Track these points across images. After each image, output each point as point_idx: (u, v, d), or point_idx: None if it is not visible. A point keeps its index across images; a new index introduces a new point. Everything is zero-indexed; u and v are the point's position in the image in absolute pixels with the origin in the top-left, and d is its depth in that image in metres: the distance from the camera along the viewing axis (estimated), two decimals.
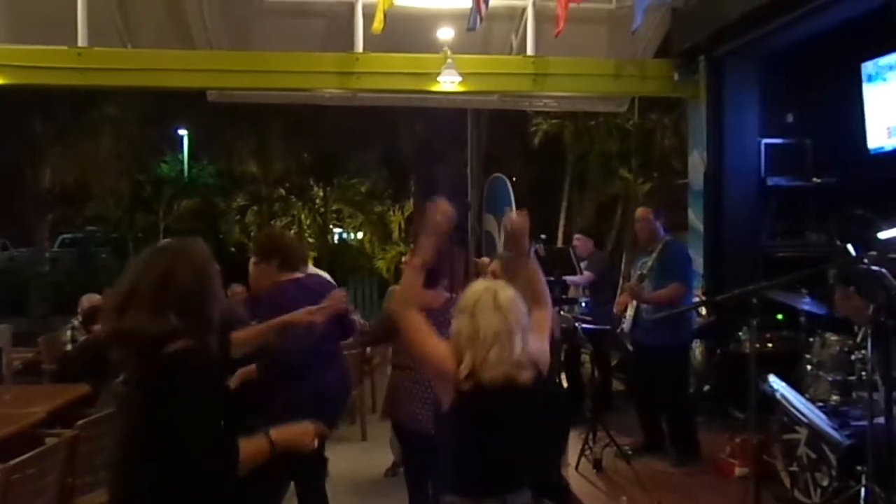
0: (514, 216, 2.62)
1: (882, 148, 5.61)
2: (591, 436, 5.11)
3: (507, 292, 2.31)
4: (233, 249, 17.62)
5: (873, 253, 2.65)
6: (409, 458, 3.57)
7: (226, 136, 18.07)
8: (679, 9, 6.78)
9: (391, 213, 18.82)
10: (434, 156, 15.98)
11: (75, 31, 6.32)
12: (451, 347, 2.30)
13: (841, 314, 3.86)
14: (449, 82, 6.50)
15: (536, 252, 6.05)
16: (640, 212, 5.42)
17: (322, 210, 18.92)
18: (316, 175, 18.92)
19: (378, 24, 6.15)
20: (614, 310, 6.02)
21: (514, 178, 13.37)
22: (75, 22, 6.32)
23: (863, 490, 3.75)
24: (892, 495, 2.23)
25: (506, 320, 2.24)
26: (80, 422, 3.58)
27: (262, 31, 6.99)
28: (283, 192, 19.31)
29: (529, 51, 6.90)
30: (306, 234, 18.15)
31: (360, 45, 6.71)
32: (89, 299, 6.37)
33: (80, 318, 6.30)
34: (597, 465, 4.98)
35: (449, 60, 6.41)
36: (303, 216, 18.67)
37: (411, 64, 6.73)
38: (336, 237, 21.13)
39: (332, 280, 4.92)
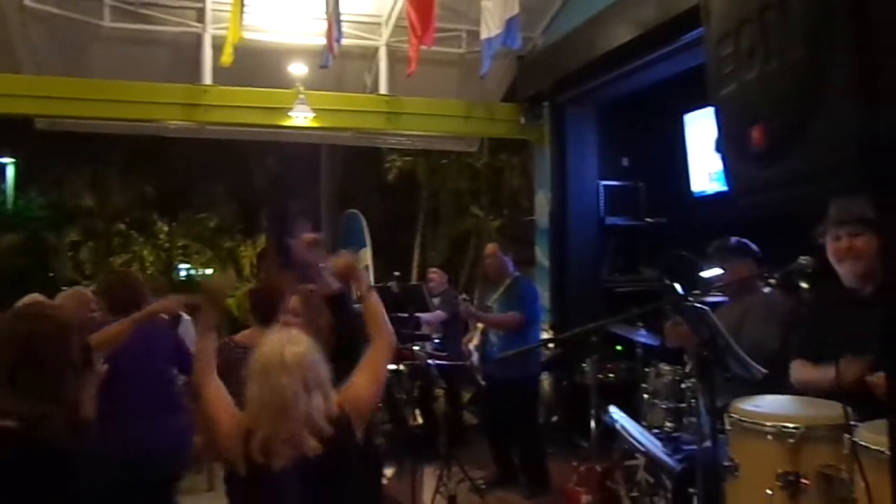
0: (339, 259, 2.63)
1: (704, 192, 6.14)
2: (445, 472, 5.13)
3: (296, 348, 2.16)
4: (64, 289, 16.23)
5: (697, 291, 2.88)
6: None
7: (57, 167, 16.76)
8: (525, 57, 7.14)
9: (242, 248, 18.19)
10: (287, 190, 15.67)
11: None
12: (244, 419, 2.15)
13: (671, 343, 4.14)
14: (301, 118, 6.43)
15: (390, 289, 6.12)
16: (489, 248, 5.58)
17: (167, 246, 17.95)
18: (159, 209, 17.95)
19: (227, 58, 5.99)
20: (463, 343, 6.16)
21: (368, 214, 13.41)
22: None
23: None
24: None
25: (293, 383, 2.10)
26: None
27: (101, 58, 6.58)
28: (122, 227, 18.14)
29: (383, 90, 6.99)
30: (149, 272, 17.12)
31: (208, 78, 6.50)
32: None
33: None
34: (451, 501, 4.98)
35: (301, 96, 6.36)
36: (145, 252, 17.62)
37: (262, 98, 6.60)
38: (183, 274, 20.10)
39: (185, 317, 4.68)
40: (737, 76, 1.34)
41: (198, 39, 6.58)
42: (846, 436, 2.04)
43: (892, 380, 1.27)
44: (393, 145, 9.49)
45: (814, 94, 1.17)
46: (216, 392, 2.27)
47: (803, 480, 2.14)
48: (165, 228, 18.03)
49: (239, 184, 17.92)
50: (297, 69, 6.52)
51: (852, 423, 2.10)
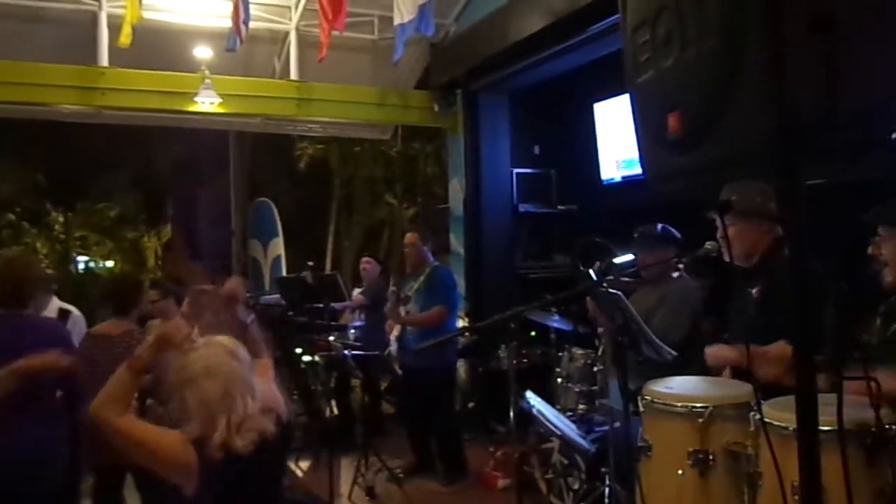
0: (230, 283, 2.58)
1: (613, 179, 6.30)
2: (362, 462, 5.09)
3: (227, 340, 2.21)
4: None
5: (611, 277, 2.94)
6: None
7: None
8: (438, 44, 7.11)
9: (146, 239, 17.41)
10: (194, 178, 15.10)
11: None
12: (190, 432, 2.09)
13: (593, 315, 4.23)
14: (207, 103, 6.18)
15: (304, 279, 6.00)
16: (408, 237, 5.55)
17: (63, 237, 16.97)
18: (54, 198, 16.93)
19: (125, 38, 5.67)
20: (386, 332, 6.12)
21: (278, 203, 13.11)
22: None
23: (607, 490, 4.15)
24: (632, 493, 2.47)
25: (242, 372, 2.15)
26: None
27: None
28: (12, 217, 17.00)
29: (293, 75, 6.81)
30: (43, 265, 16.11)
31: (104, 59, 6.14)
32: None
33: None
34: (369, 492, 4.96)
35: (207, 81, 6.11)
36: (38, 244, 16.59)
37: (165, 82, 6.30)
38: (82, 266, 19.06)
39: (75, 313, 4.40)
40: (654, 63, 1.35)
41: (93, 18, 6.20)
42: (752, 413, 2.14)
43: (800, 357, 1.32)
44: (304, 132, 9.27)
45: (728, 82, 1.19)
46: (137, 425, 2.14)
47: (711, 458, 2.22)
48: (61, 219, 17.01)
49: (142, 172, 17.11)
50: (202, 52, 6.24)
51: (759, 400, 2.20)
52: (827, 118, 1.15)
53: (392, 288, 5.39)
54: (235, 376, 2.13)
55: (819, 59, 1.13)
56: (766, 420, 1.90)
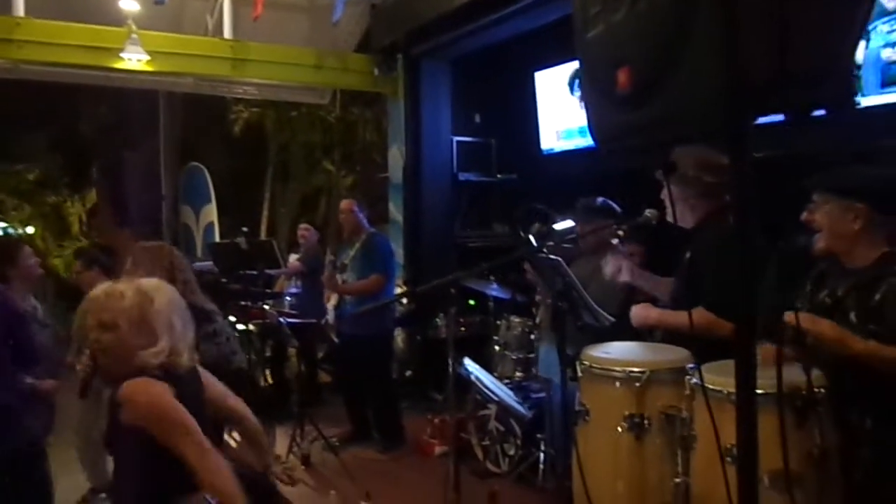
0: None
1: (552, 149, 6.32)
2: (298, 431, 5.03)
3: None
4: None
5: (551, 243, 2.94)
6: None
7: None
8: (378, 6, 6.94)
9: (69, 204, 16.61)
10: (121, 141, 14.44)
11: None
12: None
13: (531, 278, 4.25)
14: (134, 60, 5.87)
15: (238, 245, 5.83)
16: (344, 204, 5.46)
17: None
18: None
19: None
20: (324, 300, 6.03)
21: (212, 168, 12.69)
22: None
23: (542, 455, 4.22)
24: (567, 458, 2.49)
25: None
26: None
27: None
28: None
29: (226, 34, 6.53)
30: None
31: (20, 9, 5.76)
32: None
33: None
34: (305, 460, 4.91)
35: (133, 35, 5.79)
36: None
37: (88, 36, 5.93)
38: None
39: None
40: (603, 17, 1.31)
41: None
42: (687, 378, 2.17)
43: (740, 322, 1.32)
44: (239, 95, 8.93)
45: (679, 37, 1.16)
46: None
47: (647, 422, 2.25)
48: None
49: (65, 133, 16.24)
50: (128, 5, 5.89)
51: (693, 365, 2.24)
52: (777, 77, 1.13)
53: (330, 257, 5.29)
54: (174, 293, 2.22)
55: (770, 16, 1.12)
56: (703, 384, 1.93)
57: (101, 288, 2.17)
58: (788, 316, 1.83)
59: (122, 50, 5.82)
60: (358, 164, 12.78)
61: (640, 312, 2.73)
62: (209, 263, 6.91)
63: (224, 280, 6.09)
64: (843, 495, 1.97)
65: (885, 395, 2.00)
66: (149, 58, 5.94)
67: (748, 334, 1.32)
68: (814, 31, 1.16)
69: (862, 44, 3.64)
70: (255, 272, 5.50)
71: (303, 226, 7.00)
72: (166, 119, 11.73)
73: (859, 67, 3.71)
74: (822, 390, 1.96)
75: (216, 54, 6.49)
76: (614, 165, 5.06)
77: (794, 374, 1.82)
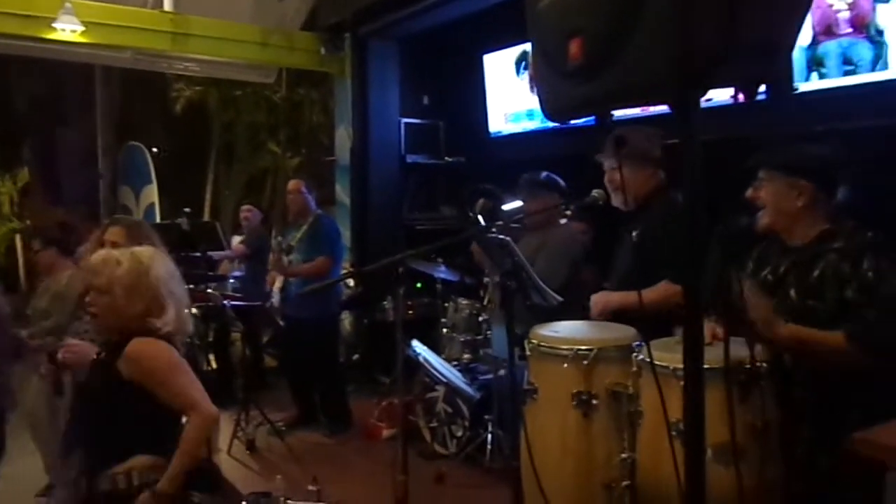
0: None
1: (500, 132, 6.32)
2: (243, 416, 4.94)
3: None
4: None
5: (500, 223, 2.93)
6: None
7: None
8: None
9: None
10: (55, 117, 13.86)
11: None
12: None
13: (478, 258, 4.26)
14: (68, 30, 5.61)
15: (179, 226, 5.66)
16: (292, 184, 5.36)
17: None
18: None
19: None
20: (267, 283, 5.90)
21: (155, 149, 12.29)
22: None
23: (489, 436, 4.25)
24: (515, 438, 2.50)
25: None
26: None
27: None
28: None
29: (167, 6, 6.29)
30: None
31: None
32: None
33: None
34: (250, 445, 4.84)
35: (67, 4, 5.52)
36: None
37: (18, 3, 5.62)
38: None
39: None
40: None
41: None
42: (634, 355, 2.19)
43: (687, 297, 1.33)
44: (180, 71, 8.61)
45: (632, 7, 1.14)
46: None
47: (595, 399, 2.27)
48: None
49: None
50: None
51: (639, 342, 2.26)
52: (727, 48, 1.13)
53: (277, 238, 5.18)
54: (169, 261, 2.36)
55: None
56: (648, 360, 1.95)
57: (100, 254, 2.32)
58: (735, 292, 1.86)
59: (55, 20, 5.55)
60: (304, 146, 12.55)
61: (599, 300, 2.75)
62: None
63: None
64: (783, 468, 2.02)
65: (825, 373, 2.06)
66: (83, 28, 5.68)
67: (695, 309, 1.33)
68: (762, 6, 1.16)
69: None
70: (197, 254, 5.36)
71: (245, 207, 6.85)
72: (103, 95, 11.31)
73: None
74: (765, 365, 2.00)
75: (155, 27, 6.24)
76: (562, 148, 5.10)
77: (738, 349, 1.86)
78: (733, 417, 1.56)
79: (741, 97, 1.27)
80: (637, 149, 2.59)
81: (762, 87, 1.25)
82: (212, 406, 2.23)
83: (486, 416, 4.28)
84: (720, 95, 3.08)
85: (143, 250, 2.31)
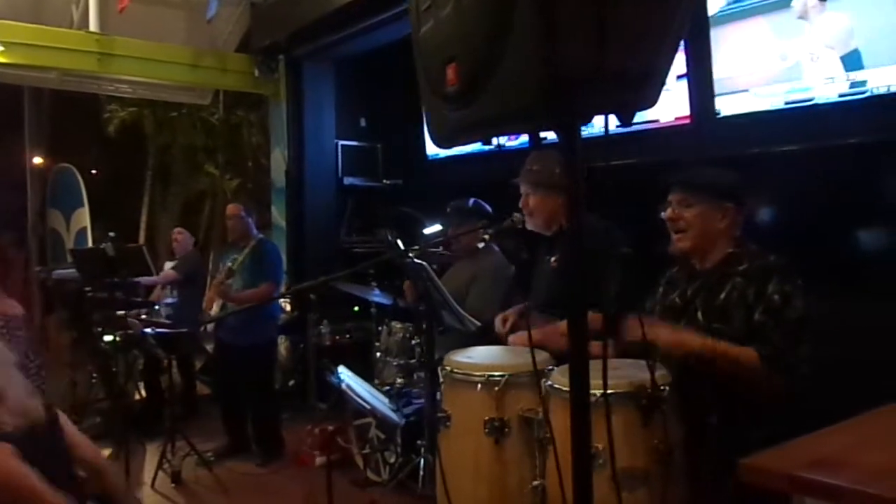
0: None
1: (437, 155, 6.31)
2: (169, 447, 4.77)
3: None
4: None
5: (417, 247, 2.91)
6: None
7: None
8: (258, 5, 6.73)
9: None
10: None
11: None
12: None
13: (410, 300, 4.21)
14: None
15: (104, 251, 5.46)
16: (231, 208, 5.25)
17: None
18: None
19: None
20: (203, 308, 5.74)
21: (94, 171, 11.93)
22: None
23: (421, 461, 4.18)
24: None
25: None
26: None
27: None
28: None
29: (92, 27, 6.14)
30: None
31: None
32: None
33: None
34: (175, 477, 4.67)
35: None
36: None
37: None
38: None
39: None
40: (433, 13, 1.27)
41: None
42: (543, 380, 2.18)
43: (573, 322, 1.32)
44: (111, 92, 8.40)
45: (501, 32, 1.14)
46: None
47: (507, 426, 2.24)
48: None
49: None
50: None
51: (551, 367, 2.25)
52: (596, 75, 1.13)
53: (228, 264, 5.04)
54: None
55: (587, 15, 1.11)
56: (554, 385, 1.93)
57: None
58: (632, 320, 1.86)
59: None
60: (243, 168, 12.39)
61: (517, 340, 2.68)
62: (73, 270, 6.47)
63: (89, 288, 5.70)
64: (688, 491, 2.02)
65: (727, 392, 2.07)
66: (3, 48, 5.51)
67: (580, 334, 1.32)
68: (631, 34, 1.16)
69: None
70: (116, 279, 5.19)
71: (177, 229, 6.67)
72: (31, 115, 10.95)
73: None
74: (667, 388, 2.00)
75: (81, 48, 6.08)
76: (497, 171, 5.10)
77: (638, 373, 1.86)
78: (612, 438, 1.55)
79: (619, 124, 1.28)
80: (547, 173, 2.60)
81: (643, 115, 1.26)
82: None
83: (419, 442, 4.22)
84: (641, 118, 3.12)
85: None
